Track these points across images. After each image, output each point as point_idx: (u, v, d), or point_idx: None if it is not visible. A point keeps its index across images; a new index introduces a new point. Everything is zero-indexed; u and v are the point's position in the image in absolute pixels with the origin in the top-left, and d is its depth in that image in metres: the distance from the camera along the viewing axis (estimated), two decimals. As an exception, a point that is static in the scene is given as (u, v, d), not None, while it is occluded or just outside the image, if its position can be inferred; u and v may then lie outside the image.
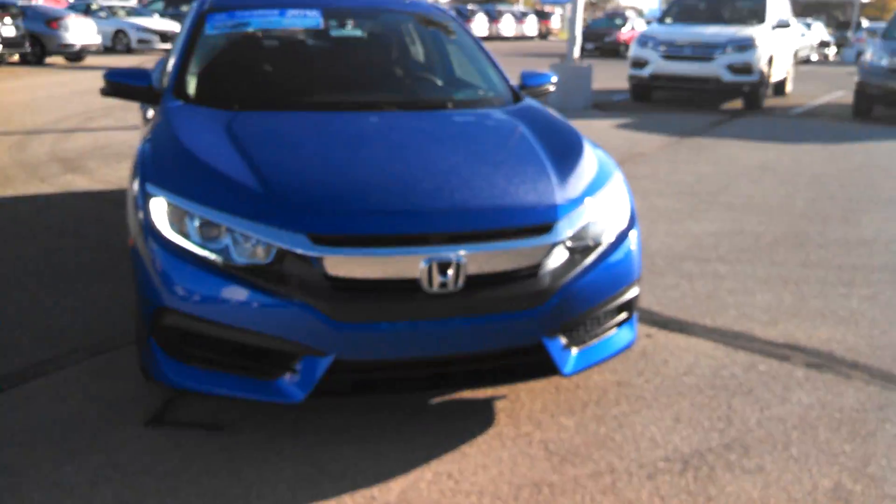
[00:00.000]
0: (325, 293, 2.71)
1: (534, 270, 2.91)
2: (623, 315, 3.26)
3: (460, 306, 2.80)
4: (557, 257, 2.96)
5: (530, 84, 4.40)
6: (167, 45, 23.70)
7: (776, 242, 5.72)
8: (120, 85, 3.89)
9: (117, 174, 7.26)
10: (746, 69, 13.33)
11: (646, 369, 3.63)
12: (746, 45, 13.35)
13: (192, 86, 3.89)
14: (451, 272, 2.76)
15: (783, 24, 14.45)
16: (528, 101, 4.15)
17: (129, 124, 9.95)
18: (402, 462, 2.87)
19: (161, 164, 3.13)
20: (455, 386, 3.00)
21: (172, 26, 24.35)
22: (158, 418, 3.13)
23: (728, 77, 13.41)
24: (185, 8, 27.39)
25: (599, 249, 3.08)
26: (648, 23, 22.12)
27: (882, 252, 5.54)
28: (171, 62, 4.31)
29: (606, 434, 3.09)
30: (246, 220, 2.79)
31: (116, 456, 2.86)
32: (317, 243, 2.72)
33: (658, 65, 13.78)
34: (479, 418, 3.17)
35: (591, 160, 3.43)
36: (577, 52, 13.69)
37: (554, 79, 4.56)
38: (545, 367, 2.99)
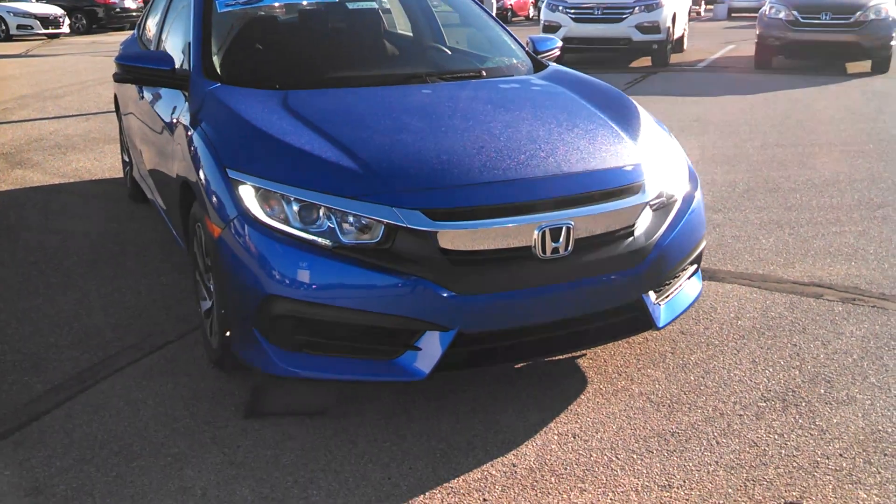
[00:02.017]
0: (443, 267, 2.68)
1: (630, 231, 2.97)
2: (693, 267, 3.37)
3: (571, 270, 2.83)
4: (646, 216, 3.03)
5: (542, 49, 4.42)
6: (49, 31, 22.36)
7: (751, 189, 5.99)
8: (139, 69, 3.67)
9: (70, 166, 6.88)
10: (654, 28, 13.77)
11: (700, 317, 3.76)
12: (654, 5, 13.77)
13: (219, 67, 3.71)
14: (562, 237, 2.79)
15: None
16: (556, 67, 4.18)
17: (51, 115, 9.41)
18: (522, 429, 2.88)
19: (238, 149, 3.00)
20: (565, 349, 3.03)
21: (53, 10, 22.92)
22: (256, 410, 3.03)
23: (638, 37, 13.81)
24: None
25: (676, 206, 3.17)
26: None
27: (850, 191, 5.89)
28: (178, 42, 4.12)
29: (697, 381, 3.20)
30: (351, 200, 2.72)
31: (233, 454, 2.76)
32: (433, 218, 2.69)
33: (570, 28, 14.03)
34: (572, 379, 3.22)
35: (647, 121, 3.50)
36: (492, 18, 13.74)
37: (560, 43, 4.61)
38: (643, 322, 3.06)
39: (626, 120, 3.42)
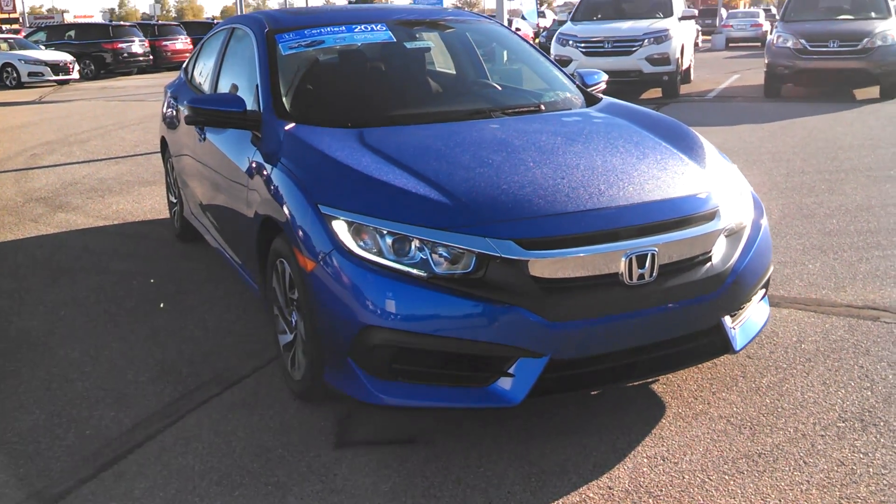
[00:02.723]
0: (535, 295, 2.76)
1: (708, 257, 3.06)
2: (763, 291, 3.46)
3: (656, 296, 2.91)
4: (721, 242, 3.12)
5: (590, 83, 4.56)
6: (59, 77, 22.61)
7: (786, 216, 6.09)
8: (211, 111, 3.79)
9: (111, 208, 6.99)
10: (664, 60, 13.99)
11: (764, 342, 3.83)
12: (663, 37, 14.01)
13: (290, 107, 3.83)
14: (647, 263, 2.88)
15: (688, 16, 15.26)
16: (610, 99, 4.31)
17: (80, 159, 9.56)
18: (610, 452, 2.95)
19: (327, 185, 3.10)
20: (650, 373, 3.09)
21: (63, 56, 23.22)
22: (346, 440, 3.10)
23: (648, 69, 14.03)
24: (70, 35, 26.22)
25: (746, 232, 3.26)
26: (561, 23, 22.71)
27: (884, 215, 5.99)
28: (240, 84, 4.26)
29: (773, 403, 3.26)
30: (444, 232, 2.81)
31: (331, 482, 2.82)
32: (525, 247, 2.78)
33: (581, 62, 14.21)
34: (650, 403, 3.29)
35: (710, 149, 3.61)
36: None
37: (606, 77, 4.74)
38: (722, 346, 3.14)
39: (692, 149, 3.53)
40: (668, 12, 14.90)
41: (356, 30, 4.28)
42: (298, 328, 3.27)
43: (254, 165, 3.65)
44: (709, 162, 3.45)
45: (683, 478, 2.78)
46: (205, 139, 4.47)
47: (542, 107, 4.06)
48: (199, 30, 31.78)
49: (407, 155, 3.25)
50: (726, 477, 2.78)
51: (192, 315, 4.42)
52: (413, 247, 2.84)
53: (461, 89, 4.54)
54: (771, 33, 14.86)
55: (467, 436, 3.09)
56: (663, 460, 2.89)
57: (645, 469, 2.84)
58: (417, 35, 4.59)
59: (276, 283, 3.47)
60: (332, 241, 2.91)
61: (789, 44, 13.39)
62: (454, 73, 4.80)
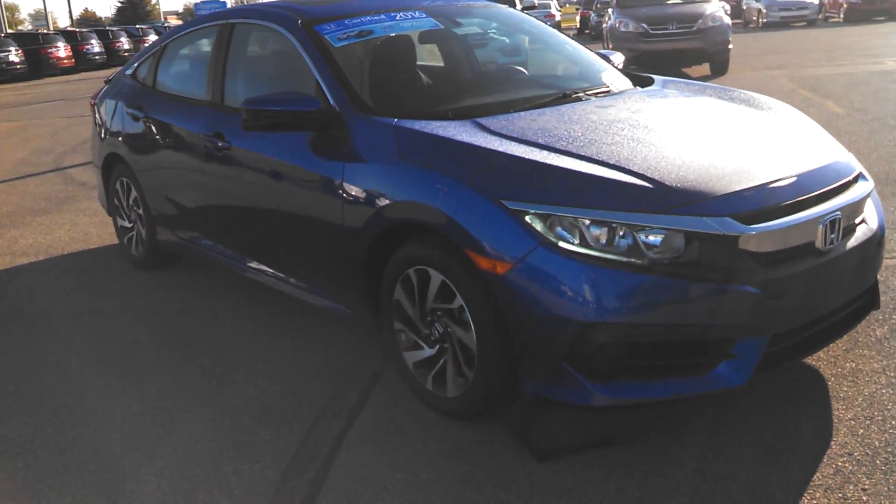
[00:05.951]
0: (754, 270, 2.66)
1: (863, 217, 3.11)
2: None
3: (842, 259, 2.90)
4: (868, 202, 3.19)
5: (616, 63, 4.53)
6: None
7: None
8: (279, 113, 3.36)
9: (19, 244, 6.07)
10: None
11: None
12: (512, 27, 14.32)
13: (372, 101, 3.47)
14: (836, 228, 2.87)
15: (529, 6, 15.74)
16: (663, 77, 4.29)
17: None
18: (813, 421, 2.89)
19: (503, 179, 2.81)
20: (840, 333, 3.04)
21: None
22: (545, 452, 2.84)
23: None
24: None
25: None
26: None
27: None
28: (273, 84, 3.85)
29: (910, 367, 3.37)
30: (656, 215, 2.63)
31: (571, 497, 2.56)
32: (743, 222, 2.66)
33: (435, 55, 14.26)
34: (799, 373, 3.25)
35: (804, 115, 3.68)
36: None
37: (623, 58, 4.77)
38: (872, 303, 3.20)
39: (793, 116, 3.58)
40: (511, 3, 15.25)
41: (398, 17, 3.96)
42: (455, 340, 2.97)
43: (352, 168, 3.25)
44: (817, 127, 3.51)
45: (881, 456, 2.78)
46: (229, 148, 3.95)
47: (612, 88, 3.94)
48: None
49: (557, 141, 3.02)
50: (941, 425, 2.83)
51: (234, 350, 3.90)
52: (617, 234, 2.65)
53: (526, 74, 4.36)
54: (608, 20, 15.63)
55: (657, 430, 2.93)
56: (868, 420, 2.89)
57: (861, 431, 2.82)
58: (460, 20, 4.34)
59: (403, 295, 3.13)
60: (534, 237, 2.65)
61: (631, 28, 14.13)
62: (524, 55, 4.65)
